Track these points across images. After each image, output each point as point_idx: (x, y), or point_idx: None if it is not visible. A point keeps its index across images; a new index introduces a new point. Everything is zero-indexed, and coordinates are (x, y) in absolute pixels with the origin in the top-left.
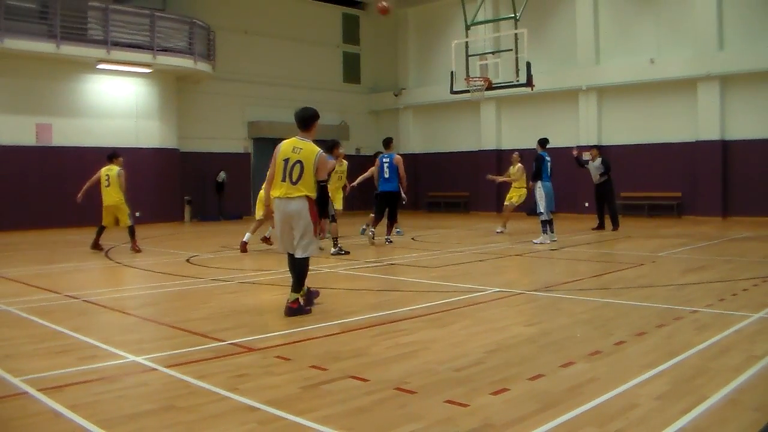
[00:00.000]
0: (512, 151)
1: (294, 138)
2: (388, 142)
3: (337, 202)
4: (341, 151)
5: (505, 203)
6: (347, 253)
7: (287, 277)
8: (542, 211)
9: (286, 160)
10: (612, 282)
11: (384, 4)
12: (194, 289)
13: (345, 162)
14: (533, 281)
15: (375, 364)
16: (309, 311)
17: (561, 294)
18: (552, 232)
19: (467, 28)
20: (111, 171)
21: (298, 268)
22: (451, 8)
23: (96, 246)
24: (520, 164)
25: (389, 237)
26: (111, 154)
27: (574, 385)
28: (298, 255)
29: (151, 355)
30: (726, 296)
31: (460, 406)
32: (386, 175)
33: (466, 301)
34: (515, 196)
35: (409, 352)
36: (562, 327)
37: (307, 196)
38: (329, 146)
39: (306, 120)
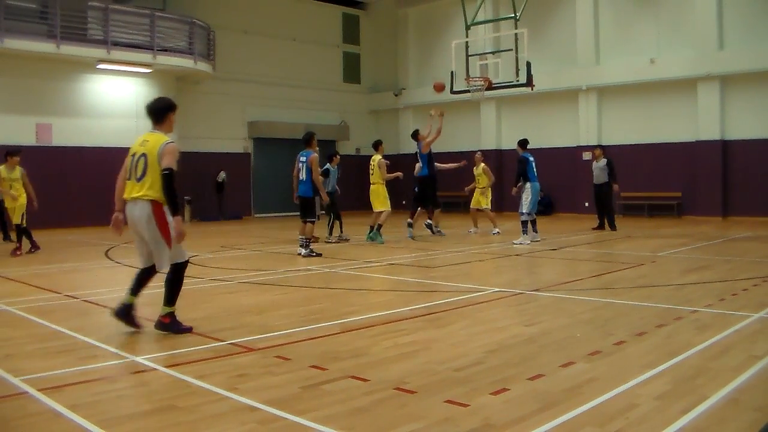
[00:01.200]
0: (513, 151)
1: (146, 132)
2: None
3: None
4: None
5: (475, 207)
6: (318, 255)
7: (287, 277)
8: (524, 211)
9: (134, 156)
10: (612, 282)
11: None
12: (194, 289)
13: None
14: (533, 281)
15: (375, 364)
16: (188, 330)
17: (561, 294)
18: (536, 232)
19: (467, 28)
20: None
21: (169, 281)
22: (451, 8)
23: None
24: (483, 164)
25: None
26: (11, 151)
27: (574, 385)
28: (159, 269)
29: (151, 355)
30: (726, 296)
31: (460, 406)
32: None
33: (466, 301)
34: (484, 200)
35: (409, 352)
36: (562, 327)
37: (152, 201)
38: (306, 139)
39: (157, 112)
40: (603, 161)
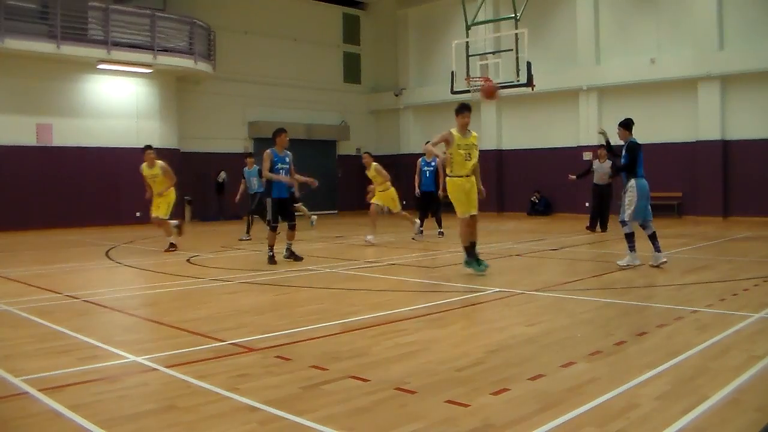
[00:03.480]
0: (512, 151)
1: None
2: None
3: None
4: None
5: (385, 208)
6: (300, 259)
7: (287, 277)
8: (626, 219)
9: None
10: (613, 282)
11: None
12: (194, 289)
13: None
14: (534, 281)
15: (375, 364)
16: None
17: (562, 294)
18: (658, 251)
19: (468, 28)
20: None
21: None
22: (451, 8)
23: None
24: (375, 164)
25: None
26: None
27: (575, 385)
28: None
29: (152, 355)
30: (726, 296)
31: (460, 406)
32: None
33: (467, 301)
34: (387, 200)
35: (409, 352)
36: (563, 327)
37: None
38: (273, 134)
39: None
40: (608, 163)
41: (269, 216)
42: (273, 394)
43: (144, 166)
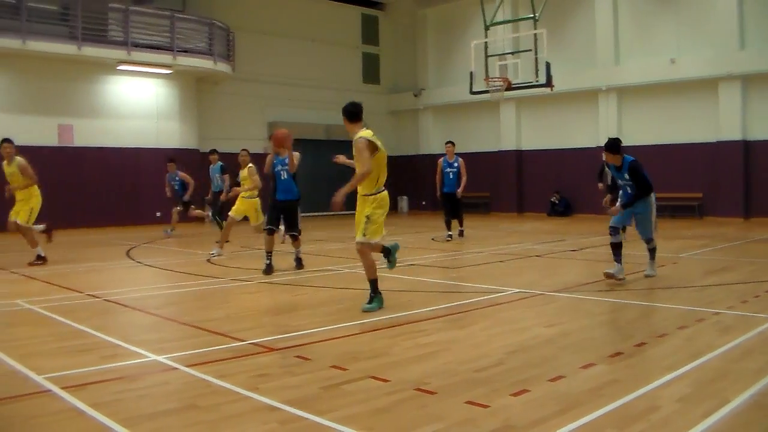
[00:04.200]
0: (532, 151)
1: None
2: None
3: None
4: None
5: (233, 216)
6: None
7: (307, 277)
8: (652, 236)
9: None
10: (633, 283)
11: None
12: (214, 289)
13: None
14: (554, 282)
15: (395, 365)
16: None
17: (581, 295)
18: (652, 260)
19: (486, 28)
20: None
21: None
22: (470, 8)
23: None
24: (251, 165)
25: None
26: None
27: (595, 386)
28: None
29: (172, 355)
30: (748, 298)
31: (480, 407)
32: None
33: (487, 302)
34: (250, 209)
35: (429, 352)
36: (583, 328)
37: None
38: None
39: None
40: None
41: (266, 218)
42: (293, 393)
43: (4, 162)
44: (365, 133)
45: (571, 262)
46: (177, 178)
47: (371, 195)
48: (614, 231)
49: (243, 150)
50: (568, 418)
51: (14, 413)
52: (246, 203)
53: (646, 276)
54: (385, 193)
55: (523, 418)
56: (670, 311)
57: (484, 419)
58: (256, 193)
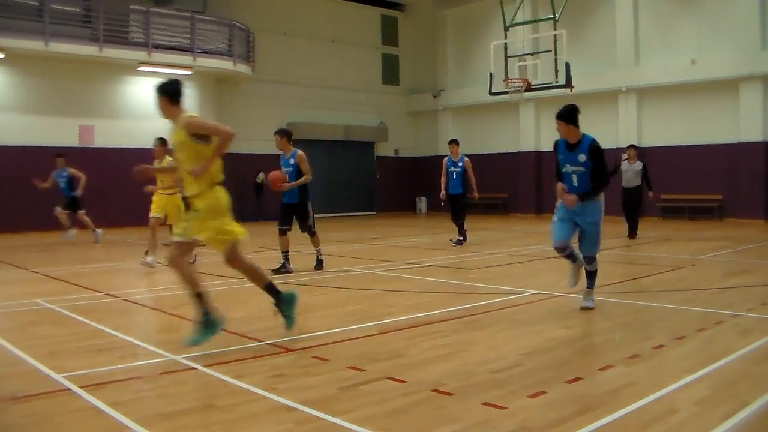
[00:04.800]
0: (550, 152)
1: None
2: None
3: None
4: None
5: (154, 215)
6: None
7: (325, 278)
8: (595, 254)
9: None
10: (651, 285)
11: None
12: (233, 289)
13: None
14: None
15: (412, 366)
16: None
17: (599, 297)
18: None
19: (506, 29)
20: None
21: None
22: (489, 9)
23: None
24: (170, 156)
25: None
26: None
27: (612, 388)
28: None
29: (190, 354)
30: None
31: (497, 408)
32: None
33: (504, 304)
34: (171, 207)
35: (446, 353)
36: (600, 330)
37: None
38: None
39: None
40: (638, 164)
41: (313, 219)
42: (310, 394)
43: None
44: (193, 113)
45: None
46: (65, 175)
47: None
48: (562, 251)
49: (160, 138)
50: (585, 420)
51: (34, 411)
52: (164, 199)
53: (582, 308)
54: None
55: (540, 419)
56: (689, 313)
57: (501, 421)
58: (177, 189)
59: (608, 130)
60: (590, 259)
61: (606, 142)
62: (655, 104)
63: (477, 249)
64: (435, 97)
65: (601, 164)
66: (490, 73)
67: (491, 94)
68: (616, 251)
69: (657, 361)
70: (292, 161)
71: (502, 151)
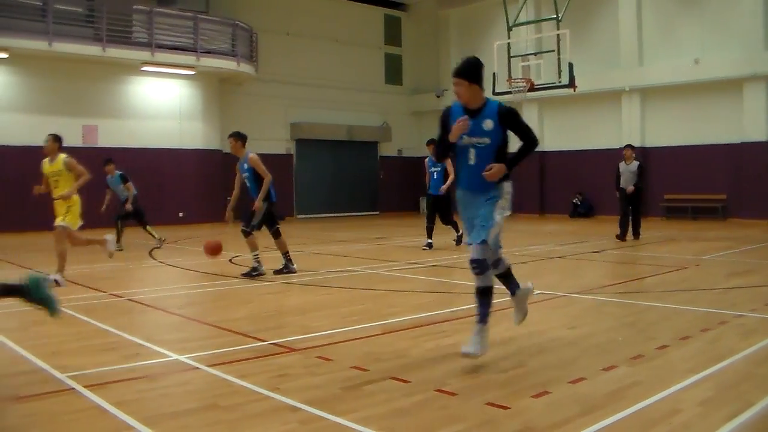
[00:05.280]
0: (554, 152)
1: None
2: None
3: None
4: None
5: (62, 223)
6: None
7: (329, 278)
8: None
9: None
10: (655, 285)
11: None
12: (237, 289)
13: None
14: (575, 284)
15: (416, 366)
16: None
17: (603, 297)
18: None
19: (509, 29)
20: None
21: None
22: (492, 9)
23: None
24: (65, 155)
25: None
26: None
27: (616, 389)
28: None
29: (194, 354)
30: None
31: (501, 408)
32: None
33: (508, 303)
34: (74, 216)
35: (450, 353)
36: (604, 330)
37: None
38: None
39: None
40: (635, 164)
41: (256, 221)
42: (314, 394)
43: None
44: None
45: (593, 264)
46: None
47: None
48: (480, 267)
49: (51, 135)
50: (589, 420)
51: (38, 410)
52: (71, 209)
53: (516, 323)
54: None
55: (544, 419)
56: (693, 314)
57: (504, 421)
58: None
59: (612, 130)
60: (495, 262)
61: (609, 142)
62: (658, 104)
63: None
64: (438, 97)
65: (523, 126)
66: (494, 73)
67: (494, 94)
68: (621, 251)
69: (661, 361)
70: (246, 165)
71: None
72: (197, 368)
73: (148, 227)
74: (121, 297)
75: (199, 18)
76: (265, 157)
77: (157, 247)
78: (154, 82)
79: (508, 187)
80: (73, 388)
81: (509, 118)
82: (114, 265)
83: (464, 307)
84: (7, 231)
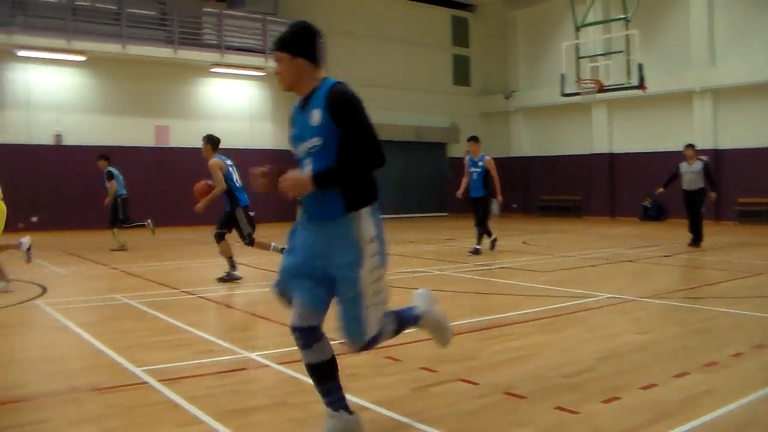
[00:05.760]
0: (624, 154)
1: None
2: None
3: None
4: None
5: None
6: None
7: (397, 278)
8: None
9: None
10: (728, 291)
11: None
12: None
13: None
14: (646, 288)
15: (484, 368)
16: None
17: (675, 302)
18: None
19: (577, 29)
20: None
21: None
22: (560, 10)
23: None
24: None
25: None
26: None
27: (689, 396)
28: None
29: (264, 352)
30: None
31: (570, 413)
32: None
33: (577, 307)
34: None
35: (518, 356)
36: (676, 336)
37: None
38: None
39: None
40: (698, 164)
41: (246, 228)
42: (382, 394)
43: None
44: None
45: (664, 268)
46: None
47: None
48: (306, 336)
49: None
50: (660, 427)
51: (115, 402)
52: None
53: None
54: None
55: (614, 425)
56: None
57: (573, 426)
58: None
59: (683, 132)
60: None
61: (680, 145)
62: (731, 105)
63: (549, 251)
64: (506, 98)
65: (358, 126)
66: (562, 75)
67: (563, 95)
68: (692, 255)
69: (735, 369)
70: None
71: (574, 153)
72: (267, 366)
73: (114, 230)
74: (192, 294)
75: (268, 20)
76: None
77: (116, 250)
78: (224, 83)
79: (368, 225)
80: (147, 382)
81: (340, 107)
82: (185, 263)
83: (534, 309)
84: (84, 229)
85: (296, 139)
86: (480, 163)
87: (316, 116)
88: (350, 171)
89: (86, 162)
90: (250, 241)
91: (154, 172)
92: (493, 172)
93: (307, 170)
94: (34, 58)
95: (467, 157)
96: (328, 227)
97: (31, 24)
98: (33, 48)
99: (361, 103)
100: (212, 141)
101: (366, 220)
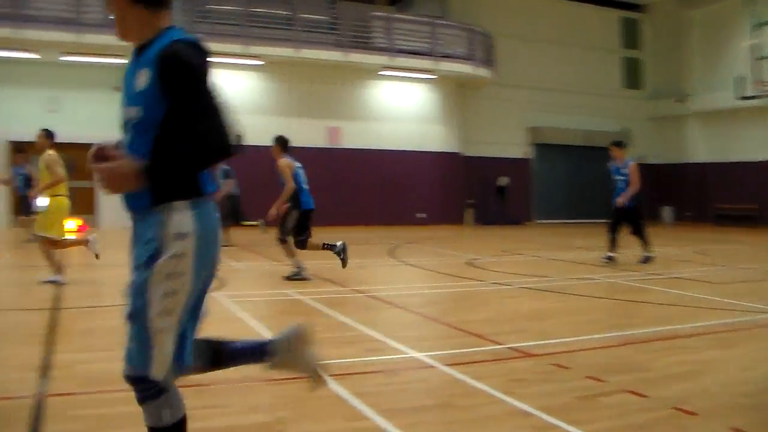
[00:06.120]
0: None
1: None
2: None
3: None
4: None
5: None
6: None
7: (568, 285)
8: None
9: None
10: None
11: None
12: (475, 291)
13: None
14: None
15: (654, 381)
16: None
17: None
18: None
19: (753, 28)
20: None
21: None
22: (738, 8)
23: None
24: (52, 151)
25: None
26: None
27: None
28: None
29: (431, 353)
30: None
31: None
32: None
33: (756, 323)
34: (56, 222)
35: (690, 370)
36: None
37: None
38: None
39: None
40: None
41: (288, 230)
42: (548, 401)
43: None
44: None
45: None
46: (23, 172)
47: None
48: (144, 390)
49: (42, 131)
50: None
51: (287, 393)
52: (53, 216)
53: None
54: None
55: None
56: None
57: None
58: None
59: None
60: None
61: None
62: None
63: (726, 262)
64: (680, 101)
65: (190, 100)
66: (740, 77)
67: (742, 98)
68: None
69: None
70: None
71: (754, 159)
72: (434, 366)
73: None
74: (362, 293)
75: (436, 23)
76: (503, 161)
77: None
78: (394, 85)
79: (180, 220)
80: None
81: (170, 72)
82: (356, 262)
83: (710, 322)
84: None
85: (122, 102)
86: (624, 170)
87: (142, 78)
88: (177, 165)
89: (262, 162)
90: (282, 240)
91: (326, 172)
92: (633, 177)
93: (131, 157)
94: (216, 62)
95: (611, 164)
96: (137, 220)
97: (213, 30)
98: (215, 53)
99: (203, 69)
100: (282, 142)
101: (180, 214)
